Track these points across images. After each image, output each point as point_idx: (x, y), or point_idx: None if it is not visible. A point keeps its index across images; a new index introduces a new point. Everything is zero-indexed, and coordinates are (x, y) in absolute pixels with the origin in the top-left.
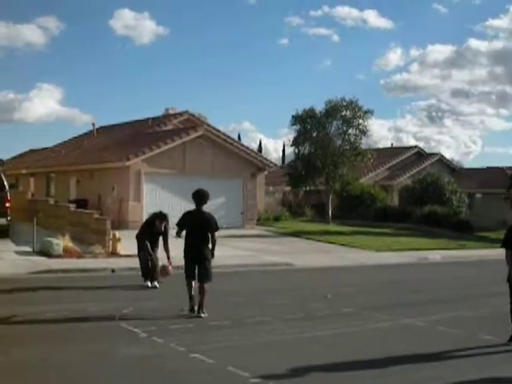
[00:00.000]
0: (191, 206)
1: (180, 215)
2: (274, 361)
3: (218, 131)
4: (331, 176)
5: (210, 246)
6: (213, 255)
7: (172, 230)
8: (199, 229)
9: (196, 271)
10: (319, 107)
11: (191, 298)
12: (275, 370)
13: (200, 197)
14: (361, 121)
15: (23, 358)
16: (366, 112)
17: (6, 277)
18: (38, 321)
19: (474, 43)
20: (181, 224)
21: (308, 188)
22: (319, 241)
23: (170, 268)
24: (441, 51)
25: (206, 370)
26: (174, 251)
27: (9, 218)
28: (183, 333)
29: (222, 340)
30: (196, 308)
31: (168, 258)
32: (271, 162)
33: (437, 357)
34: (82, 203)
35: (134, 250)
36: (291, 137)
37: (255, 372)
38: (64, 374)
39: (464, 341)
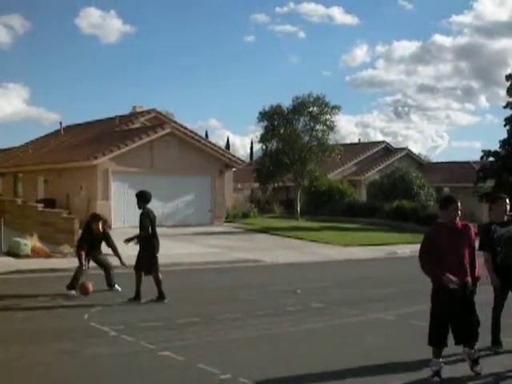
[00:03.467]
0: (159, 204)
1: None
2: (244, 357)
3: (186, 129)
4: (299, 172)
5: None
6: None
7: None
8: (156, 223)
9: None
10: (286, 104)
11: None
12: (246, 366)
13: (149, 196)
14: (328, 116)
15: None
16: (333, 108)
17: None
18: (7, 321)
19: (438, 39)
20: (150, 223)
21: (276, 184)
22: (288, 237)
23: (90, 285)
24: (406, 47)
25: (177, 368)
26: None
27: None
28: (153, 330)
29: (192, 337)
30: (157, 296)
31: (122, 263)
32: (239, 159)
33: (403, 351)
34: (49, 203)
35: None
36: (259, 133)
37: (226, 369)
38: (34, 373)
39: None
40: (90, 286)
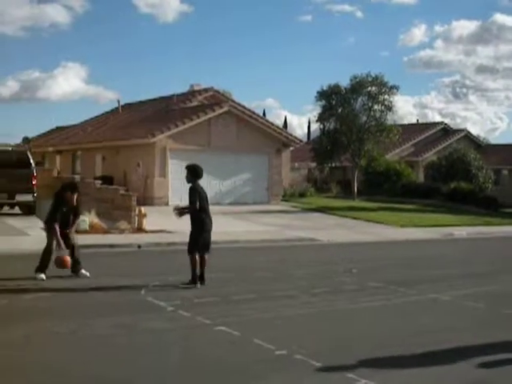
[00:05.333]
0: (216, 182)
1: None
2: (299, 334)
3: (243, 107)
4: (356, 152)
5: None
6: None
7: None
8: (207, 201)
9: (205, 243)
10: (344, 83)
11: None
12: (301, 342)
13: (201, 171)
14: (386, 96)
15: (53, 329)
16: (391, 87)
17: (33, 252)
18: (66, 294)
19: (499, 18)
20: (200, 198)
21: (333, 164)
22: (344, 216)
23: (67, 258)
24: (465, 27)
25: (232, 343)
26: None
27: (35, 195)
28: (209, 306)
29: (248, 313)
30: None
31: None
32: (296, 138)
33: (459, 331)
34: (107, 180)
35: (160, 226)
36: (316, 113)
37: (281, 344)
38: (90, 345)
39: (487, 316)
40: (68, 259)
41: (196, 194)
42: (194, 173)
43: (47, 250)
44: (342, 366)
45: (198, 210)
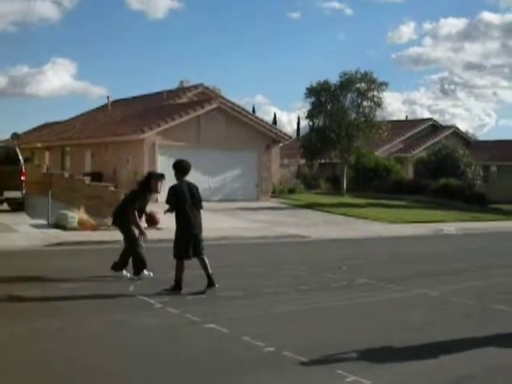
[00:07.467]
0: (206, 179)
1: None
2: (288, 330)
3: (233, 104)
4: (346, 148)
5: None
6: None
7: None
8: (196, 200)
9: (194, 247)
10: (333, 80)
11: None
12: (290, 339)
13: (189, 167)
14: (375, 93)
15: (41, 328)
16: (380, 84)
17: (22, 249)
18: (54, 293)
19: (486, 16)
20: (178, 198)
21: (323, 161)
22: (334, 213)
23: (158, 216)
24: (453, 24)
25: (221, 340)
26: None
27: (24, 192)
28: (198, 304)
29: (237, 310)
30: (208, 281)
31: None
32: (286, 135)
33: (448, 326)
34: (96, 176)
35: None
36: (305, 110)
37: (270, 341)
38: (81, 344)
39: (475, 311)
40: (159, 217)
41: (171, 194)
42: (180, 169)
43: (133, 246)
44: (331, 363)
45: (177, 211)
